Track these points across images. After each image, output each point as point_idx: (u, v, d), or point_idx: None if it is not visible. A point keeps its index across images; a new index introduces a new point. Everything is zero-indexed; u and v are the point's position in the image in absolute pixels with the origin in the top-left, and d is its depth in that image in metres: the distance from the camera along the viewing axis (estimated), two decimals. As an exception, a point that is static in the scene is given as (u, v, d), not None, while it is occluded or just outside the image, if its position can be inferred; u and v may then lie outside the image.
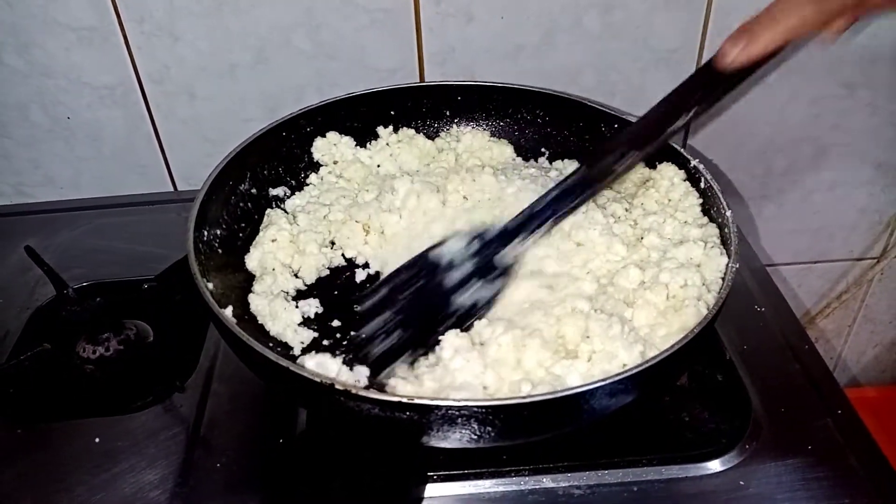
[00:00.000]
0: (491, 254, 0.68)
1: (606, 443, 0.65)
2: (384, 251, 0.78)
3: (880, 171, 1.14)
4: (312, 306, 0.72)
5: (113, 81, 0.95)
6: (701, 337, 0.56)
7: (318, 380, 0.54)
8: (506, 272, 0.68)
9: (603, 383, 0.53)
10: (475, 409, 0.52)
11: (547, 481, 0.62)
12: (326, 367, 0.61)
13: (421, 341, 0.64)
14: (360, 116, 0.89)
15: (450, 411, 0.52)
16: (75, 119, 0.97)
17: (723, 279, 0.65)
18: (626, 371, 0.54)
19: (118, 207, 0.99)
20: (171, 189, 1.04)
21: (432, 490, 0.62)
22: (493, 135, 0.93)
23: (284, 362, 0.55)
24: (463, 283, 0.67)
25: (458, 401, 0.52)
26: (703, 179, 0.75)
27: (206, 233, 0.71)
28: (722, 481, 0.61)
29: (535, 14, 0.94)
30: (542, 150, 0.92)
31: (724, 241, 0.69)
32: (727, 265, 0.66)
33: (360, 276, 0.76)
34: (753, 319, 0.77)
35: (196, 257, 0.66)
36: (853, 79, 1.03)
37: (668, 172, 0.78)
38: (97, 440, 0.66)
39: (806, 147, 1.10)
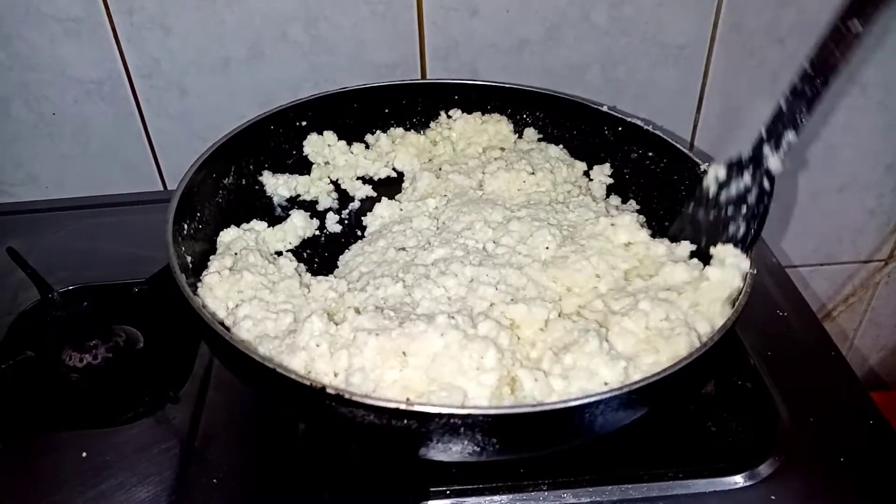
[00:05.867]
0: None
1: (629, 455, 0.63)
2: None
3: (890, 172, 1.13)
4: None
5: (100, 76, 0.93)
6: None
7: (307, 383, 0.50)
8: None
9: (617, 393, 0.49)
10: (479, 418, 0.49)
11: (567, 496, 0.59)
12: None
13: None
14: (352, 114, 0.88)
15: (451, 420, 0.49)
16: (60, 115, 0.96)
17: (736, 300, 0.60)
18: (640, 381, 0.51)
19: (106, 207, 0.97)
20: (161, 188, 1.03)
21: (446, 505, 0.60)
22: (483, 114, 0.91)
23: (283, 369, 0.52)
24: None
25: (459, 409, 0.49)
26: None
27: (185, 226, 0.70)
28: (751, 496, 0.59)
29: (542, 8, 0.93)
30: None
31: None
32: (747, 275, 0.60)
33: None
34: (776, 325, 0.75)
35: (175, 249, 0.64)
36: (865, 77, 1.02)
37: None
38: (84, 454, 0.64)
39: (815, 147, 1.09)
